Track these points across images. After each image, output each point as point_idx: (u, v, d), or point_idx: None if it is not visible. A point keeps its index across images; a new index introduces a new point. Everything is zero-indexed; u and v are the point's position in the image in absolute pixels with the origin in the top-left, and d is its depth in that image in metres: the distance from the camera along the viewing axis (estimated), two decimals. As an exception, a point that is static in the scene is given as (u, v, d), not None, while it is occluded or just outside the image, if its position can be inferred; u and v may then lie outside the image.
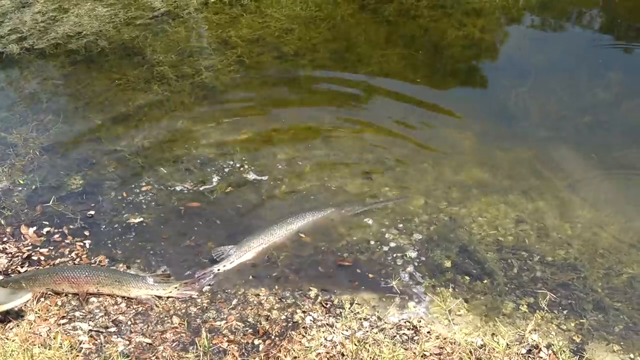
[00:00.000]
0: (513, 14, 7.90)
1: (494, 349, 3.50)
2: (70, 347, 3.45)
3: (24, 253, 4.27)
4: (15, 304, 3.59)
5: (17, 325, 3.41)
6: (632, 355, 3.63)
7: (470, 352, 3.45)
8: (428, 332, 3.68)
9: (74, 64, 6.84)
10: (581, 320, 3.85)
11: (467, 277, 4.16)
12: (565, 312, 3.92)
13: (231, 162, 5.21)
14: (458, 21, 7.49)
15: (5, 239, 4.40)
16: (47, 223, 4.56)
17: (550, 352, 3.57)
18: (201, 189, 4.92)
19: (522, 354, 3.53)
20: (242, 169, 5.14)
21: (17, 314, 3.66)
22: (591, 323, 3.84)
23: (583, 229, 4.61)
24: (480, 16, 7.63)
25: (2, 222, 4.52)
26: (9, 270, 4.10)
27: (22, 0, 8.15)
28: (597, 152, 5.34)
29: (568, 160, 5.29)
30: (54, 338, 3.41)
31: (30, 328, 3.41)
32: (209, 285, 4.07)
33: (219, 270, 4.16)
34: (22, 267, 4.14)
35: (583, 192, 4.97)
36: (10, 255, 4.24)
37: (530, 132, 5.67)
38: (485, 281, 4.12)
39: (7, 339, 3.35)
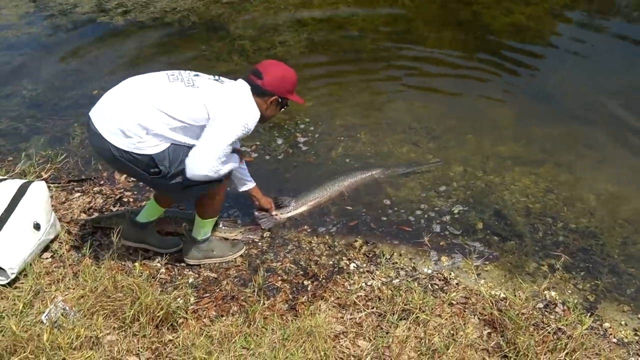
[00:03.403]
0: (559, 4, 7.60)
1: (514, 302, 3.44)
2: (149, 276, 3.55)
3: (117, 195, 4.38)
4: (235, 255, 3.82)
5: (107, 256, 3.51)
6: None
7: (492, 303, 3.40)
8: (457, 284, 3.64)
9: (169, 35, 6.91)
10: (596, 282, 3.75)
11: (496, 238, 4.08)
12: (582, 273, 3.81)
13: (296, 126, 5.21)
14: (507, 9, 7.26)
15: (102, 182, 4.52)
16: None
17: (565, 307, 3.50)
18: (267, 148, 4.94)
19: (539, 308, 3.47)
20: (304, 132, 5.13)
21: (107, 246, 3.77)
22: (605, 285, 3.73)
23: (605, 201, 4.45)
24: (528, 5, 7.37)
25: (100, 167, 4.64)
26: (104, 208, 4.22)
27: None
28: (624, 133, 5.15)
29: (598, 139, 5.11)
30: (135, 268, 3.52)
31: (116, 256, 3.51)
32: (268, 229, 4.10)
33: (276, 216, 4.18)
34: (114, 207, 4.25)
35: (609, 168, 4.80)
36: (105, 196, 4.36)
37: (566, 112, 5.48)
38: (512, 242, 4.04)
39: (97, 266, 3.46)
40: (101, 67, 6.26)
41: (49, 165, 4.64)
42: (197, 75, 3.24)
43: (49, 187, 3.91)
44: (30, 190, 3.62)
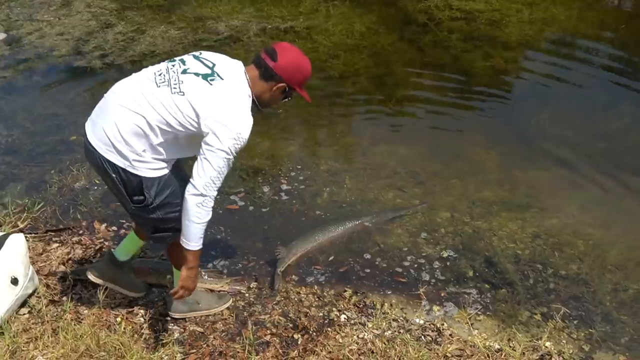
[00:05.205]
0: (536, 47, 7.70)
1: (509, 354, 3.37)
2: (133, 332, 3.42)
3: (96, 245, 4.25)
4: (222, 308, 3.69)
5: (88, 310, 3.38)
6: (636, 366, 3.49)
7: (488, 355, 3.33)
8: (450, 335, 3.56)
9: (147, 79, 6.83)
10: (590, 330, 3.71)
11: (487, 286, 4.03)
12: (575, 322, 3.77)
13: (280, 172, 5.14)
14: (486, 53, 7.34)
15: (81, 232, 4.39)
16: (115, 221, 4.52)
17: (561, 358, 3.44)
18: (252, 195, 4.85)
19: (535, 359, 3.40)
20: (289, 179, 5.06)
21: (89, 300, 3.64)
22: (599, 334, 3.69)
23: (594, 246, 4.43)
24: (506, 49, 7.46)
25: (79, 216, 4.51)
26: (83, 260, 4.08)
27: (106, 21, 8.21)
28: (609, 176, 5.18)
29: (582, 182, 5.13)
30: (119, 324, 3.38)
31: (99, 314, 3.38)
32: (255, 282, 3.99)
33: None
34: (94, 257, 4.11)
35: (594, 212, 4.81)
36: (84, 246, 4.23)
37: (548, 155, 5.50)
38: (504, 290, 3.99)
39: (79, 322, 3.32)
40: (78, 111, 6.11)
41: (25, 214, 4.49)
42: (185, 72, 2.91)
43: (25, 237, 3.77)
44: (7, 244, 3.48)
